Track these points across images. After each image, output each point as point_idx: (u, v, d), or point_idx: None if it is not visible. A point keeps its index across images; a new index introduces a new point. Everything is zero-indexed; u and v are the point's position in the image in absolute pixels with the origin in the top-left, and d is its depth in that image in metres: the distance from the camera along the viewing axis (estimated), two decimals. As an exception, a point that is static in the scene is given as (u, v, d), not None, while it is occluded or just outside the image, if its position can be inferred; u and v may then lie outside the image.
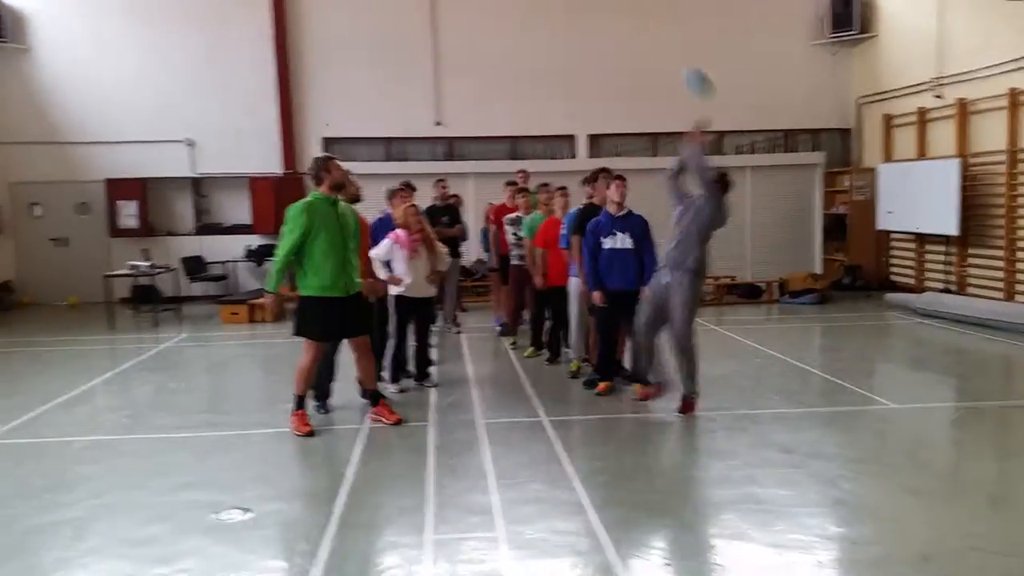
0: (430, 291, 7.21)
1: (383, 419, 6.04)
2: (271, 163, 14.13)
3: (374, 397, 6.20)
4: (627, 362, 7.07)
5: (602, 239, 6.70)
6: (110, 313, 11.46)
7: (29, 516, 4.46)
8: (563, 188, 8.10)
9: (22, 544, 4.13)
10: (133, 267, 11.83)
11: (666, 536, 4.12)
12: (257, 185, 13.99)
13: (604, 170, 7.34)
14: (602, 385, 6.95)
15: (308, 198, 5.77)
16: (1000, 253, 11.22)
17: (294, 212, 5.65)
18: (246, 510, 4.47)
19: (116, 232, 13.95)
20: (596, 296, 6.73)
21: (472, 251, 12.43)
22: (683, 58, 14.31)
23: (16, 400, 7.10)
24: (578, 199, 7.78)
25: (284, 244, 5.63)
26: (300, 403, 5.93)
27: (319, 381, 6.38)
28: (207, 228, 14.33)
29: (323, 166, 5.81)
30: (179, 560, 3.89)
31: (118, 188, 13.87)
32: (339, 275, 5.70)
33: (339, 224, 5.74)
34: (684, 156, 6.07)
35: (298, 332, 5.87)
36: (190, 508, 4.53)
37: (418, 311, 7.15)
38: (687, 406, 6.19)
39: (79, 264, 13.87)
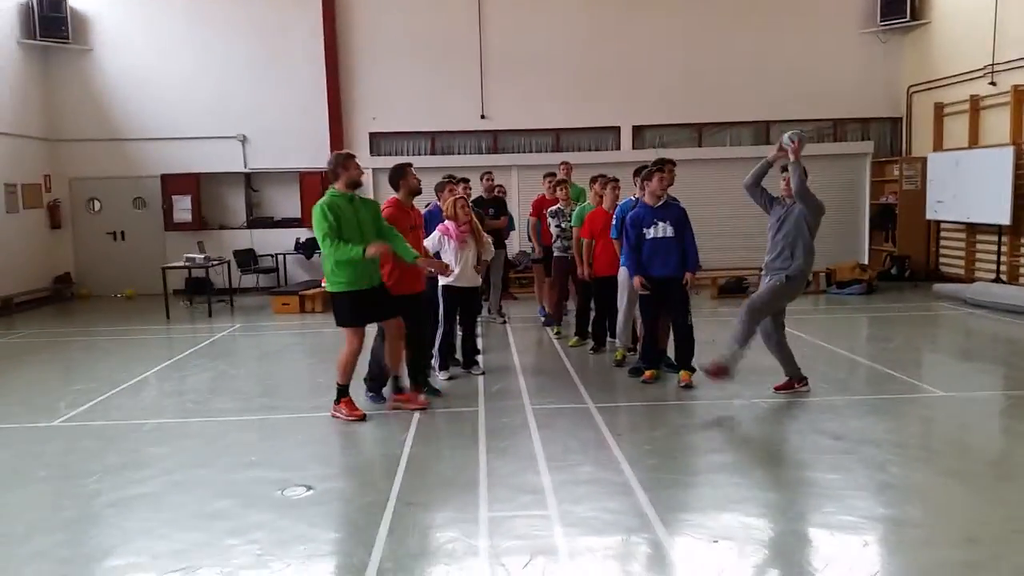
0: (477, 281, 7.37)
1: (404, 406, 6.17)
2: (320, 158, 14.32)
3: (395, 382, 6.31)
4: (670, 351, 7.15)
5: (644, 229, 6.82)
6: (166, 304, 11.85)
7: (109, 491, 4.74)
8: (615, 180, 8.17)
9: (108, 515, 4.41)
10: (188, 259, 12.22)
11: (714, 516, 4.22)
12: (306, 180, 14.31)
13: (639, 170, 7.36)
14: (648, 373, 7.04)
15: (325, 197, 5.79)
16: (1054, 242, 11.01)
17: (318, 212, 5.71)
18: (308, 487, 4.68)
19: (171, 226, 14.42)
20: (636, 281, 6.87)
21: (516, 242, 12.60)
22: (728, 50, 14.39)
23: (83, 386, 7.45)
24: (629, 190, 7.82)
25: (328, 240, 5.64)
26: (344, 391, 6.06)
27: (375, 371, 6.55)
28: (258, 222, 14.71)
29: (341, 163, 5.87)
30: (249, 532, 4.10)
31: (173, 183, 14.34)
32: (364, 269, 5.81)
33: (357, 220, 5.82)
34: (788, 174, 6.15)
35: (340, 323, 6.03)
36: (256, 484, 4.76)
37: (465, 300, 7.31)
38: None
39: (135, 257, 14.37)
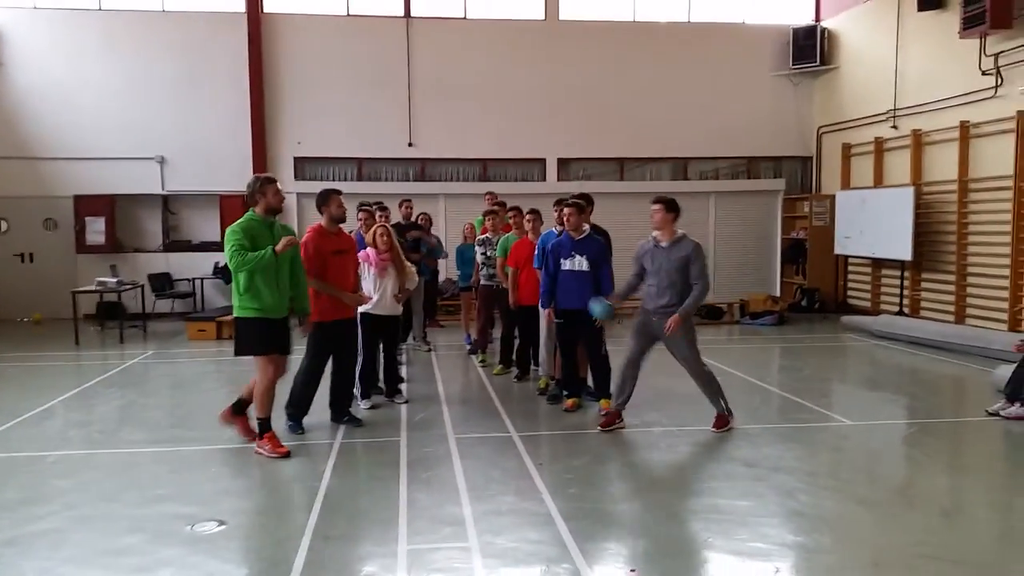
0: (397, 309, 7.33)
1: (264, 452, 5.79)
2: (242, 181, 13.88)
3: (262, 425, 5.90)
4: (591, 379, 7.25)
5: (562, 260, 6.92)
6: (75, 329, 11.36)
7: (7, 528, 4.49)
8: (534, 211, 8.28)
9: (3, 554, 4.16)
10: (100, 283, 11.77)
11: (632, 544, 4.28)
12: (227, 203, 14.00)
13: (559, 202, 7.51)
14: (569, 402, 7.12)
15: (242, 219, 5.66)
16: (951, 278, 11.67)
17: (231, 231, 5.57)
18: (221, 522, 4.54)
19: (83, 248, 13.89)
20: (546, 313, 7.10)
21: (444, 269, 12.60)
22: (649, 88, 14.86)
23: (-17, 415, 7.07)
24: (550, 222, 7.95)
25: (237, 256, 5.49)
26: (266, 425, 5.85)
27: (301, 400, 6.42)
28: (175, 245, 14.30)
29: (259, 188, 5.70)
30: (157, 569, 3.95)
31: (86, 204, 13.83)
32: (277, 297, 5.69)
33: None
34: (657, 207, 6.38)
35: (239, 351, 5.81)
36: (165, 520, 4.58)
37: (385, 328, 7.26)
38: (721, 422, 6.40)
39: (44, 280, 13.77)
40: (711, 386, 6.47)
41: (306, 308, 6.10)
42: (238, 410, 6.18)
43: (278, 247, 5.54)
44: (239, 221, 5.67)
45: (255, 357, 5.84)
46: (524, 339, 8.42)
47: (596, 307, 6.41)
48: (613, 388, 6.58)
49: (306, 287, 6.07)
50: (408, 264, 7.35)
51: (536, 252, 7.74)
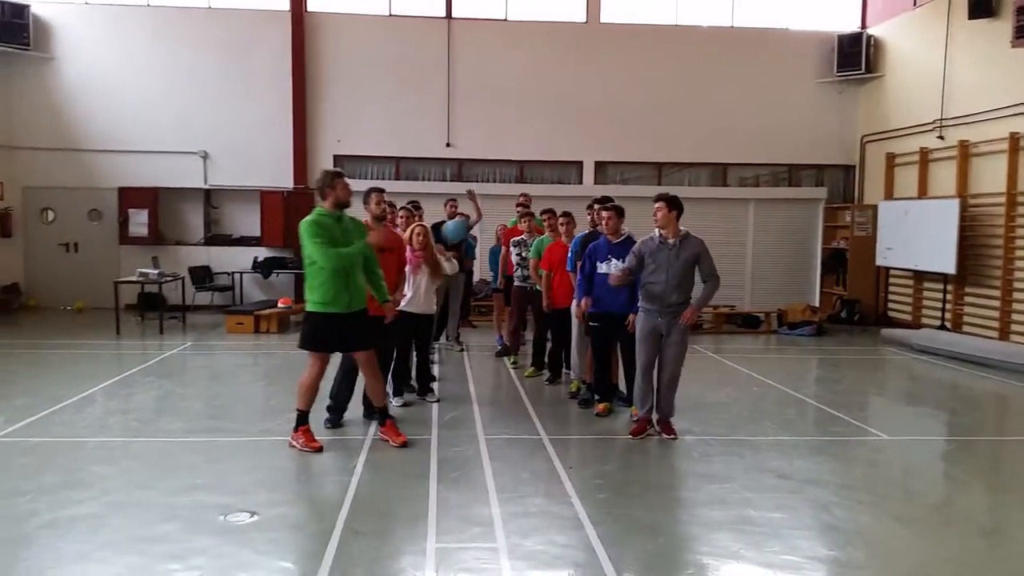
0: (431, 308, 7.36)
1: (389, 439, 6.04)
2: (282, 177, 14.36)
3: (382, 415, 6.17)
4: (623, 384, 7.21)
5: (598, 263, 6.87)
6: (116, 319, 11.60)
7: (46, 511, 4.59)
8: (567, 214, 8.27)
9: (42, 537, 4.26)
10: (142, 274, 12.00)
11: (661, 553, 4.24)
12: (267, 199, 14.21)
13: (597, 202, 7.51)
14: (601, 406, 7.09)
15: (312, 215, 5.77)
16: (996, 293, 11.40)
17: (305, 226, 5.69)
18: (253, 513, 4.60)
19: (126, 239, 14.18)
20: (576, 309, 7.12)
21: (478, 270, 12.64)
22: (690, 92, 14.76)
23: (25, 400, 7.25)
24: (585, 225, 7.94)
25: (321, 248, 5.58)
26: (303, 418, 5.94)
27: (339, 397, 6.51)
28: (216, 239, 14.53)
29: (329, 183, 5.80)
30: (190, 557, 4.01)
31: (130, 196, 14.12)
32: (341, 291, 5.73)
33: (343, 241, 5.74)
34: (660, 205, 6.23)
35: (301, 344, 5.92)
36: (199, 509, 4.66)
37: (418, 326, 7.29)
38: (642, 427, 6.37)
39: (88, 270, 14.07)
40: (674, 392, 6.39)
41: (386, 298, 6.15)
42: (381, 420, 6.20)
43: (370, 239, 5.71)
44: (310, 216, 5.76)
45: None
46: (556, 342, 8.40)
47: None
48: (636, 399, 6.49)
49: (381, 278, 6.12)
50: (444, 254, 7.37)
51: (569, 255, 7.72)
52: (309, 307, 5.83)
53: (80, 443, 6.00)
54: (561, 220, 8.24)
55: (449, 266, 7.35)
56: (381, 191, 6.54)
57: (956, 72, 12.32)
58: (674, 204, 6.20)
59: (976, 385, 9.14)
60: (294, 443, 5.89)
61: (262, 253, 14.22)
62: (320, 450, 5.83)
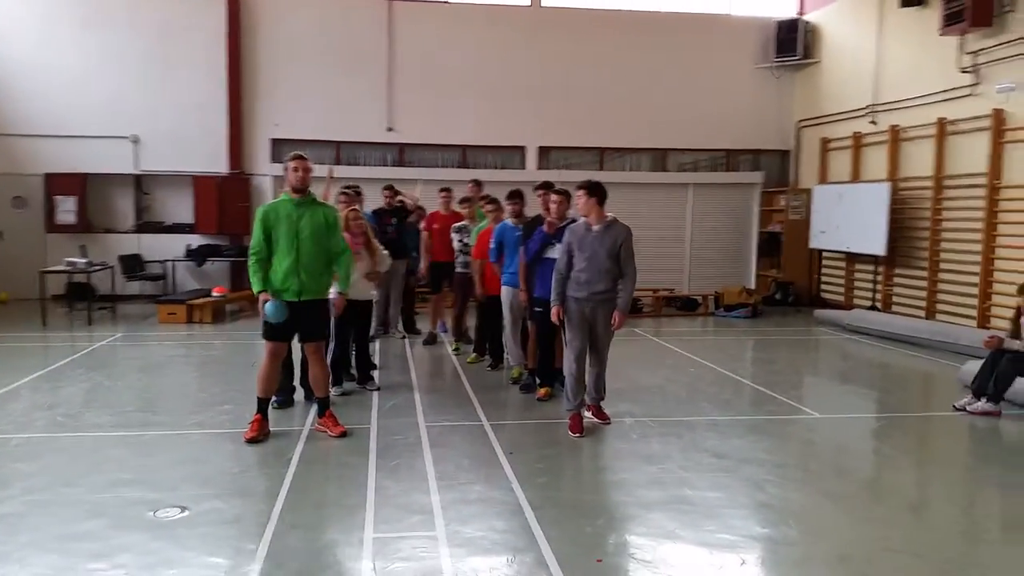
0: (369, 294, 7.26)
1: (328, 431, 5.94)
2: (217, 163, 13.97)
3: (321, 406, 6.08)
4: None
5: (546, 248, 6.84)
6: (42, 310, 11.17)
7: (-40, 511, 4.40)
8: (492, 199, 8.26)
9: (-48, 539, 4.07)
10: (70, 263, 11.58)
11: (599, 534, 4.26)
12: (201, 184, 13.82)
13: (540, 187, 7.53)
14: (542, 391, 7.10)
15: (273, 201, 5.81)
16: (924, 274, 11.77)
17: (257, 214, 5.74)
18: (183, 508, 4.47)
19: (53, 227, 13.63)
20: (513, 298, 7.36)
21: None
22: (630, 78, 14.83)
23: (-57, 396, 6.93)
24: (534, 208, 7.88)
25: (251, 249, 5.73)
26: (259, 406, 5.86)
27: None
28: (147, 226, 14.09)
29: (284, 165, 5.80)
30: (115, 555, 3.88)
31: (57, 183, 13.56)
32: (290, 278, 5.64)
33: (298, 227, 5.64)
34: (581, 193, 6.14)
35: (262, 333, 5.88)
36: (126, 505, 4.51)
37: (357, 313, 7.18)
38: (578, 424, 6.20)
39: (12, 259, 13.48)
40: (603, 377, 6.37)
41: (346, 289, 6.08)
42: (320, 411, 6.07)
43: (261, 298, 5.64)
44: (267, 203, 5.84)
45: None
46: (495, 329, 8.37)
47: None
48: (567, 390, 6.23)
49: (349, 271, 6.06)
50: (380, 248, 7.26)
51: (492, 246, 7.68)
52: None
53: (2, 440, 5.75)
54: (488, 207, 8.20)
55: (382, 262, 7.21)
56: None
57: (888, 59, 12.63)
58: (595, 191, 6.08)
59: (905, 363, 9.43)
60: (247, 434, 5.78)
61: (195, 240, 13.83)
62: (253, 441, 5.70)
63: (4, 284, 13.36)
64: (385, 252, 7.36)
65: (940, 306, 11.52)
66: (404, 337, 10.16)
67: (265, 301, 5.62)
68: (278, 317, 5.61)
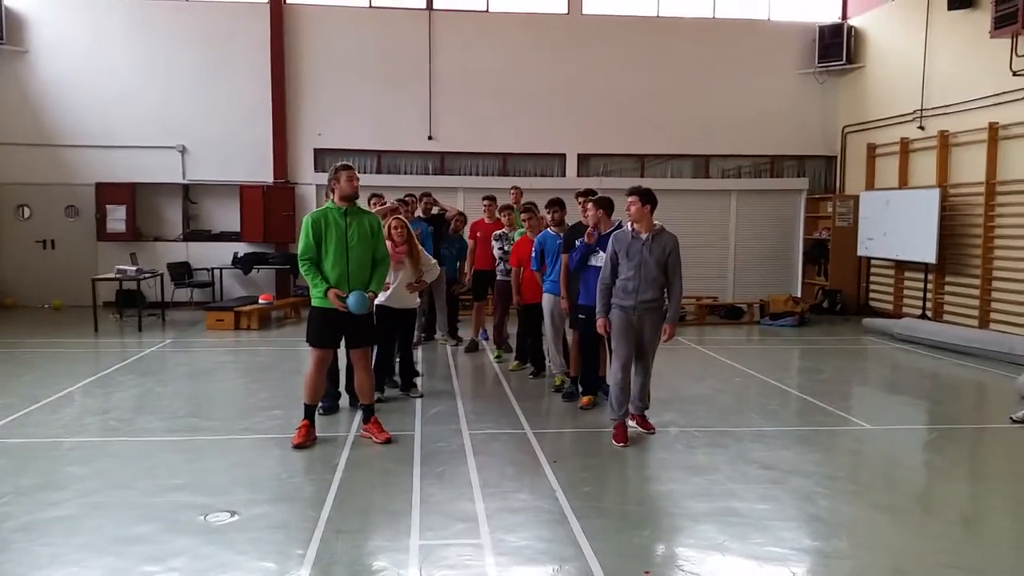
0: (412, 302, 7.31)
1: (372, 436, 5.99)
2: (262, 172, 14.22)
3: (366, 412, 6.15)
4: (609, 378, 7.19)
5: (591, 256, 6.82)
6: (94, 317, 11.45)
7: (22, 514, 4.51)
8: (530, 207, 8.29)
9: (17, 540, 4.18)
10: (120, 271, 11.85)
11: (646, 546, 4.22)
12: (247, 193, 14.07)
13: (581, 194, 7.52)
14: (585, 399, 7.07)
15: (319, 209, 5.88)
16: (976, 282, 11.48)
17: (304, 222, 5.83)
18: (233, 513, 4.54)
19: (104, 236, 13.98)
20: (555, 305, 7.30)
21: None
22: (672, 84, 14.75)
23: (1, 401, 7.12)
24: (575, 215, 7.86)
25: (299, 258, 5.82)
26: (306, 412, 5.96)
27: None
28: (195, 235, 14.37)
29: (333, 176, 5.88)
30: (169, 559, 3.95)
31: (108, 192, 13.91)
32: (340, 284, 5.73)
33: (346, 237, 5.74)
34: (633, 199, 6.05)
35: (307, 339, 5.98)
36: (178, 509, 4.59)
37: (400, 321, 7.23)
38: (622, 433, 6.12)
39: (65, 267, 13.88)
40: (648, 387, 6.29)
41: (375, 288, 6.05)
42: (366, 417, 6.16)
43: (329, 295, 5.70)
44: (313, 212, 5.87)
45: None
46: (534, 336, 8.37)
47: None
48: (612, 399, 6.18)
49: (384, 276, 6.14)
50: (427, 257, 7.31)
51: (533, 254, 7.68)
52: (312, 301, 5.90)
53: (57, 443, 5.90)
54: (524, 216, 8.23)
55: (430, 271, 7.25)
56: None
57: (936, 62, 12.37)
58: (647, 198, 6.00)
59: (957, 373, 9.20)
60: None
61: (242, 248, 14.08)
62: (299, 447, 5.77)
63: (58, 292, 13.75)
64: (434, 261, 7.40)
65: (994, 315, 11.22)
66: (456, 344, 10.12)
67: (338, 296, 5.67)
68: (362, 307, 5.70)
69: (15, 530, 4.29)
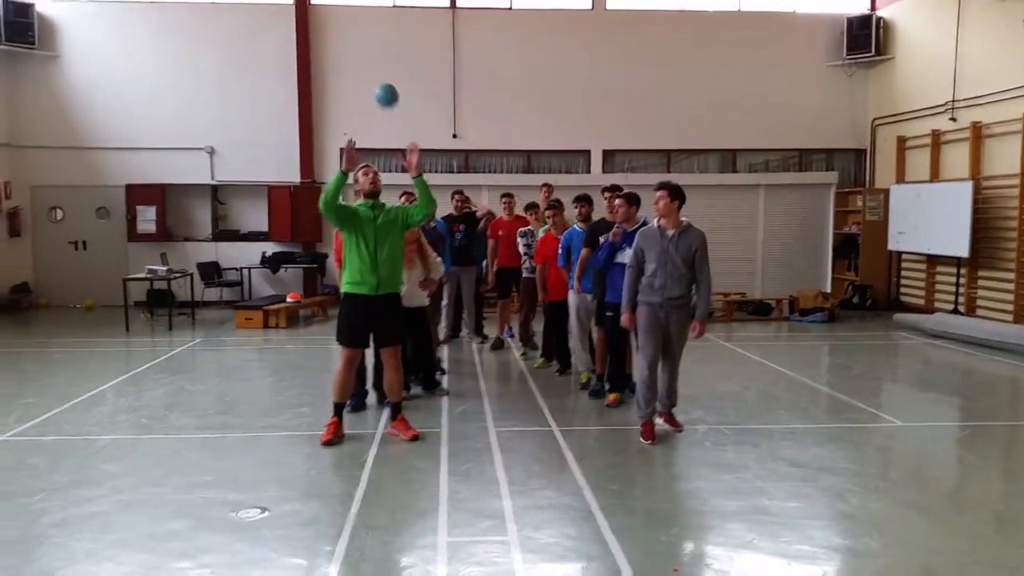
0: (423, 300, 7.30)
1: (400, 434, 6.02)
2: (289, 172, 14.34)
3: (393, 410, 6.18)
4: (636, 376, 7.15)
5: (616, 252, 6.78)
6: (126, 316, 11.62)
7: (57, 510, 4.60)
8: (555, 204, 8.26)
9: (53, 535, 4.26)
10: (150, 271, 12.02)
11: (674, 543, 4.20)
12: (274, 193, 14.20)
13: (607, 190, 7.49)
14: (612, 397, 7.05)
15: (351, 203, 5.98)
16: (1010, 276, 11.27)
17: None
18: (264, 509, 4.59)
19: (134, 236, 14.19)
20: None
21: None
22: (697, 78, 14.62)
23: (35, 399, 7.26)
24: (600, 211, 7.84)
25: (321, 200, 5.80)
26: (335, 409, 6.01)
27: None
28: (224, 234, 14.53)
29: (354, 177, 5.95)
30: (201, 555, 4.00)
31: (138, 193, 14.12)
32: (368, 273, 5.78)
33: (374, 228, 5.80)
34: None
35: (336, 338, 6.04)
36: (209, 506, 4.65)
37: (412, 320, 7.21)
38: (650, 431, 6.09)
39: (97, 267, 14.12)
40: (676, 383, 6.24)
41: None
42: (393, 415, 6.21)
43: (345, 165, 5.71)
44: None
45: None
46: (559, 333, 8.35)
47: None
48: (639, 397, 6.14)
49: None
50: (433, 255, 7.26)
51: (560, 251, 7.66)
52: (342, 289, 5.96)
53: (90, 441, 6.00)
54: (548, 212, 8.21)
55: (435, 269, 7.22)
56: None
57: (967, 53, 12.15)
58: (676, 194, 5.93)
59: (990, 369, 9.04)
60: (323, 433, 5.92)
61: (270, 248, 14.22)
62: (328, 444, 5.82)
63: (89, 292, 13.98)
64: (439, 260, 7.37)
65: (1028, 309, 11.02)
66: (482, 342, 10.13)
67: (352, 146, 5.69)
68: (388, 95, 5.92)
69: (51, 526, 4.38)
